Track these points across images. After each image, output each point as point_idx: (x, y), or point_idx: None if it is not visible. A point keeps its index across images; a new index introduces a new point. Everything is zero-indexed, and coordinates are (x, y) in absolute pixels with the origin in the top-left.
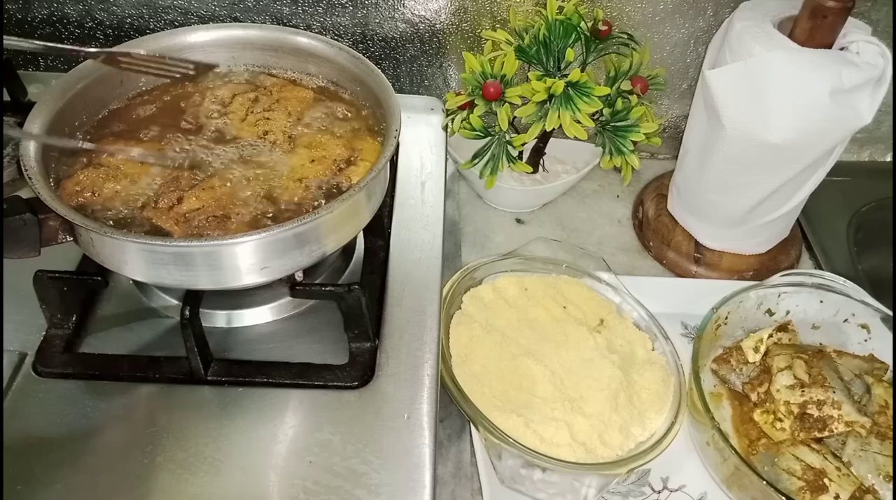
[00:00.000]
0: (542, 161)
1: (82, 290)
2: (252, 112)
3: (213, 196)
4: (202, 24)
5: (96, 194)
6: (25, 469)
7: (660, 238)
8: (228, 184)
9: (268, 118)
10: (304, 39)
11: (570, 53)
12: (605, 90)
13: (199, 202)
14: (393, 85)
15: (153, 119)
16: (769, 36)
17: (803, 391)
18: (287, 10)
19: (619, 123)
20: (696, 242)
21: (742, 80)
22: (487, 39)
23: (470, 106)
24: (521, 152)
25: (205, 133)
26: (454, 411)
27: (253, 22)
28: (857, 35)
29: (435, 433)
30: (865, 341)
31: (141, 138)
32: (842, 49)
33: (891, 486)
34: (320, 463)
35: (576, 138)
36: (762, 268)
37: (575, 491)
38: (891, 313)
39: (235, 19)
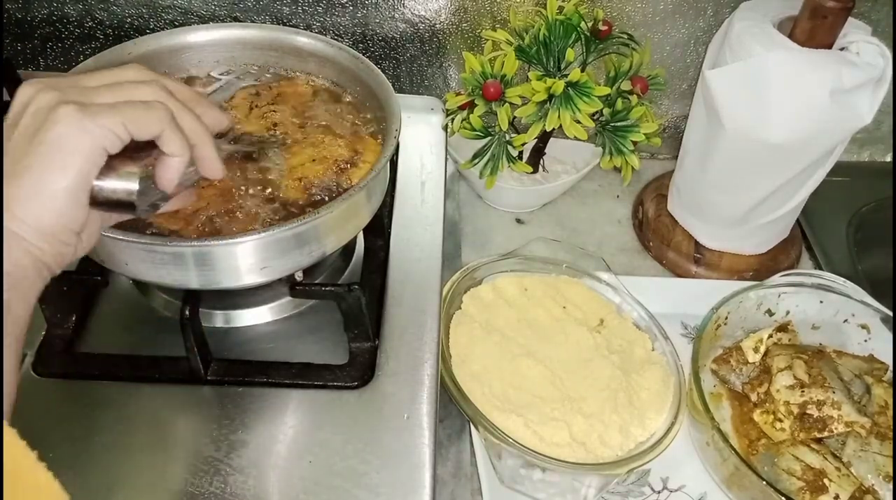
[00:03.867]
0: (542, 161)
1: (82, 290)
2: (256, 106)
3: (214, 193)
4: (202, 24)
5: None
6: None
7: (660, 238)
8: (227, 181)
9: (274, 111)
10: (304, 39)
11: (570, 53)
12: (605, 90)
13: (202, 201)
14: (393, 85)
15: None
16: (769, 36)
17: (803, 392)
18: (287, 10)
19: (619, 123)
20: (696, 242)
21: (742, 80)
22: (487, 39)
23: (470, 106)
24: (521, 152)
25: None
26: (454, 411)
27: (253, 22)
28: (857, 35)
29: (435, 433)
30: (865, 341)
31: None
32: (842, 49)
33: (891, 486)
34: (320, 463)
35: (576, 138)
36: (762, 268)
37: (575, 491)
38: (891, 314)
39: (235, 19)
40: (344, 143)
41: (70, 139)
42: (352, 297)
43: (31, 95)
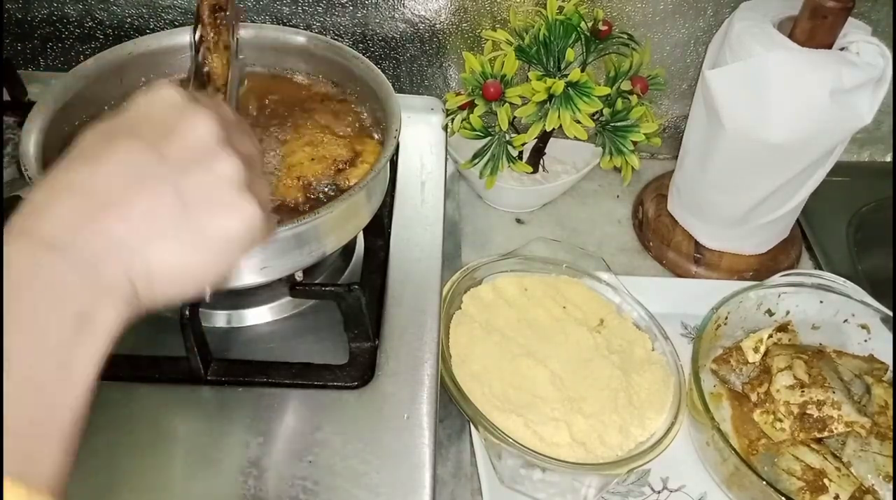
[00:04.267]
0: (542, 161)
1: None
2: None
3: None
4: None
5: None
6: None
7: (660, 238)
8: None
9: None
10: (304, 39)
11: (570, 53)
12: (605, 90)
13: None
14: (393, 85)
15: None
16: (769, 36)
17: (803, 392)
18: (287, 10)
19: (619, 123)
20: (696, 242)
21: (742, 80)
22: (487, 39)
23: (470, 106)
24: (521, 152)
25: None
26: (454, 411)
27: (253, 22)
28: (857, 35)
29: (435, 433)
30: (865, 341)
31: None
32: (842, 49)
33: (891, 486)
34: (320, 463)
35: (576, 138)
36: (762, 268)
37: (575, 491)
38: (891, 313)
39: None
40: (343, 142)
41: (244, 242)
42: (352, 297)
43: (205, 129)
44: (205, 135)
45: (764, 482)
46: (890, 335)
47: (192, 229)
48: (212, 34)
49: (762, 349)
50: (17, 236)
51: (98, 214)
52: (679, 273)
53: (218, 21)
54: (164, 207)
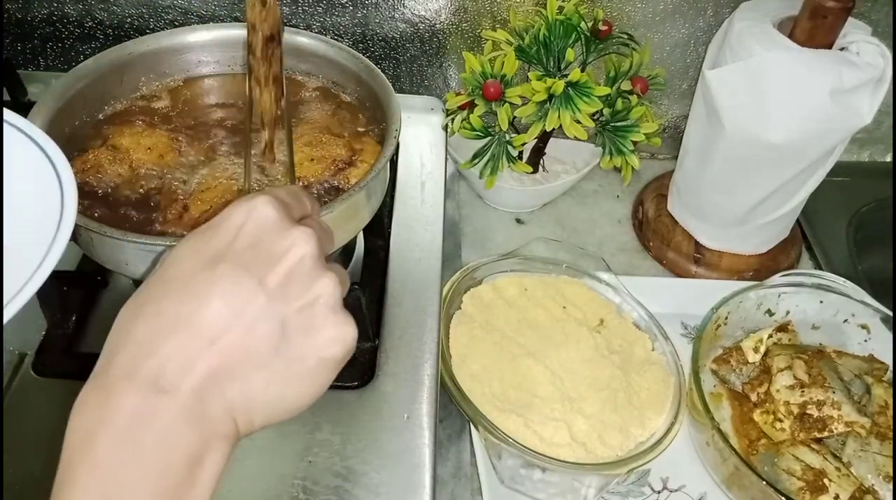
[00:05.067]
0: (542, 161)
1: (82, 290)
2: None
3: (215, 195)
4: (202, 23)
5: (101, 176)
6: (25, 470)
7: (660, 238)
8: (225, 181)
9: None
10: (304, 39)
11: (570, 53)
12: (605, 90)
13: (205, 204)
14: (393, 85)
15: (154, 117)
16: (769, 36)
17: (803, 392)
18: (287, 10)
19: (619, 123)
20: (696, 243)
21: (742, 80)
22: (487, 39)
23: (470, 106)
24: (521, 152)
25: (208, 129)
26: (454, 411)
27: None
28: (857, 35)
29: (435, 433)
30: (865, 341)
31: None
32: (842, 49)
33: (891, 486)
34: (320, 463)
35: (576, 138)
36: (762, 268)
37: (575, 491)
38: (891, 314)
39: (235, 19)
40: (343, 142)
41: (341, 364)
42: (352, 297)
43: (303, 252)
44: (304, 257)
45: (764, 482)
46: (890, 335)
47: (292, 359)
48: (263, 68)
49: (762, 349)
50: (124, 379)
51: (204, 354)
52: (679, 273)
53: (270, 52)
54: (267, 340)
